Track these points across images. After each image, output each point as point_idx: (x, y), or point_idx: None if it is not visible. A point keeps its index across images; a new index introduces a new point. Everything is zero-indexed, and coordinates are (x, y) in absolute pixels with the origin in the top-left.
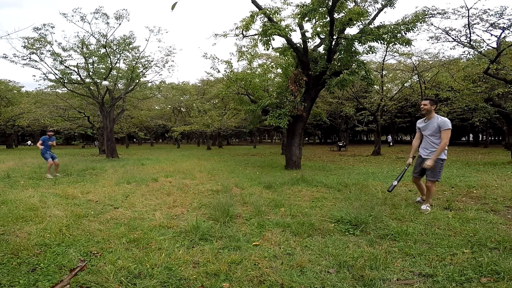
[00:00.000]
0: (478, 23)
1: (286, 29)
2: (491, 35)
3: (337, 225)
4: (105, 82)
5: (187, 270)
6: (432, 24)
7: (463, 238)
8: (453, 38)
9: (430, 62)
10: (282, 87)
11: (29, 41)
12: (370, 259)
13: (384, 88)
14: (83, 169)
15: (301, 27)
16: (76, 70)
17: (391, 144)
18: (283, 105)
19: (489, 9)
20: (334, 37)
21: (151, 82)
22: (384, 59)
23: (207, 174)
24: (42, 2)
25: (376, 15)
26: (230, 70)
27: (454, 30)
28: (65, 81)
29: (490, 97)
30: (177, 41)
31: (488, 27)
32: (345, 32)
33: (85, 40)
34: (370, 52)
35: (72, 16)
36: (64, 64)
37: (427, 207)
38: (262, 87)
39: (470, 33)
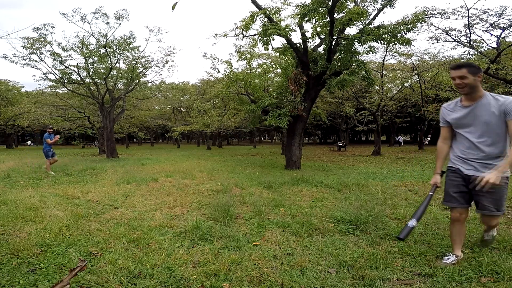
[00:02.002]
0: (478, 23)
1: (286, 29)
2: (491, 35)
3: (337, 225)
4: None
5: (187, 270)
6: (432, 24)
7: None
8: (453, 38)
9: (430, 62)
10: (282, 87)
11: (29, 41)
12: (370, 259)
13: (384, 88)
14: (83, 169)
15: (301, 27)
16: (76, 70)
17: (401, 144)
18: (283, 105)
19: (489, 9)
20: (334, 37)
21: (151, 82)
22: (384, 59)
23: (207, 174)
24: (42, 2)
25: (376, 15)
26: (230, 70)
27: (454, 30)
28: (65, 81)
29: None
30: (177, 41)
31: (488, 27)
32: (345, 32)
33: (85, 40)
34: (370, 52)
35: (72, 16)
36: (64, 64)
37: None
38: (262, 87)
39: (470, 33)
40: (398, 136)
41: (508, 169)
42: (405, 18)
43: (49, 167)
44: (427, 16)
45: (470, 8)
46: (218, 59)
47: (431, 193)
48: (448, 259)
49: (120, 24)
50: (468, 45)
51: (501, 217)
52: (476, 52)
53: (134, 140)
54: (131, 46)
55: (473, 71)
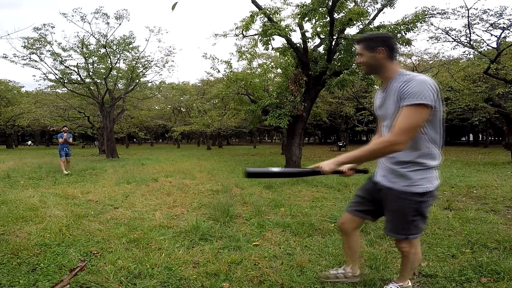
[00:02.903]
0: (478, 23)
1: (286, 29)
2: (491, 35)
3: (337, 225)
4: None
5: (187, 270)
6: (432, 24)
7: (463, 238)
8: (453, 38)
9: (430, 62)
10: (282, 87)
11: (29, 41)
12: (370, 259)
13: None
14: (83, 169)
15: (301, 27)
16: (76, 70)
17: None
18: (283, 105)
19: (489, 9)
20: (334, 37)
21: (151, 82)
22: None
23: (207, 174)
24: (42, 2)
25: (376, 15)
26: (230, 70)
27: (454, 30)
28: (65, 81)
29: (490, 97)
30: (177, 41)
31: (488, 27)
32: (345, 32)
33: (85, 40)
34: None
35: (72, 16)
36: (64, 64)
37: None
38: (262, 87)
39: (470, 33)
40: None
41: (348, 160)
42: (405, 18)
43: (62, 167)
44: (427, 16)
45: (470, 8)
46: (218, 59)
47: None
48: (336, 270)
49: (120, 24)
50: (468, 45)
51: (410, 243)
52: (476, 52)
53: (134, 140)
54: (131, 46)
55: (369, 46)
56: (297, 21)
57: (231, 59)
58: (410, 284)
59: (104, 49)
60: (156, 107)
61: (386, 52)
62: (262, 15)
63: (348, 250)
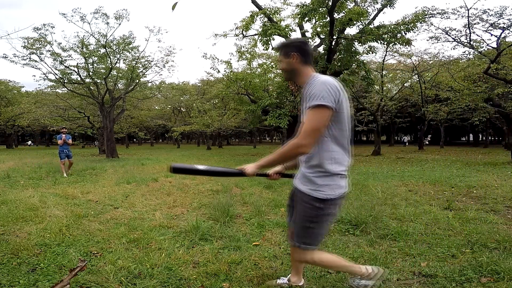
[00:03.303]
0: (478, 23)
1: (286, 29)
2: (491, 35)
3: (337, 225)
4: None
5: (187, 270)
6: (432, 24)
7: (463, 238)
8: (453, 38)
9: (430, 62)
10: (282, 87)
11: (29, 41)
12: (370, 259)
13: (384, 88)
14: (83, 169)
15: (301, 27)
16: (76, 70)
17: (406, 144)
18: (283, 105)
19: (489, 9)
20: (334, 37)
21: (151, 82)
22: (384, 59)
23: None
24: (42, 2)
25: (376, 15)
26: (230, 70)
27: (454, 30)
28: (65, 81)
29: (490, 97)
30: (177, 41)
31: (488, 27)
32: (345, 32)
33: (84, 40)
34: (370, 52)
35: (72, 16)
36: (64, 64)
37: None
38: (262, 87)
39: (470, 33)
40: (403, 136)
41: (266, 164)
42: (405, 18)
43: (62, 169)
44: (427, 16)
45: (470, 8)
46: (218, 59)
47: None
48: (282, 279)
49: (120, 24)
50: (468, 45)
51: (303, 253)
52: (476, 52)
53: (134, 140)
54: (131, 46)
55: (285, 52)
56: (297, 21)
57: (231, 59)
58: (370, 269)
59: (104, 49)
60: (156, 107)
61: (298, 57)
62: (262, 15)
63: (293, 260)
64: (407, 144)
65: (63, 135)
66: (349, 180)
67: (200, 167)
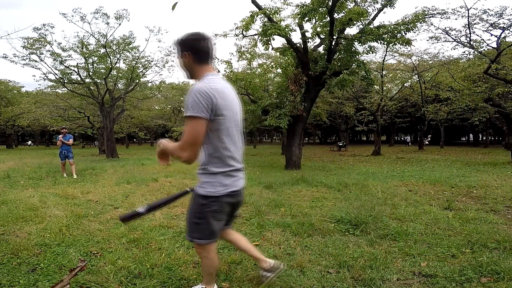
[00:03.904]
0: (478, 23)
1: (286, 29)
2: (491, 35)
3: (337, 225)
4: None
5: (187, 270)
6: (432, 24)
7: (463, 238)
8: (453, 38)
9: (430, 62)
10: (282, 87)
11: (29, 41)
12: (370, 259)
13: (384, 88)
14: (83, 169)
15: (301, 27)
16: (76, 70)
17: (409, 144)
18: (283, 105)
19: (489, 9)
20: (334, 37)
21: (151, 82)
22: (384, 59)
23: None
24: (41, 2)
25: (376, 15)
26: (230, 70)
27: (454, 30)
28: (65, 81)
29: (490, 97)
30: None
31: (488, 27)
32: (345, 32)
33: (84, 40)
34: (370, 52)
35: (72, 16)
36: (64, 64)
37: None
38: (262, 87)
39: (470, 33)
40: (406, 136)
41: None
42: (405, 18)
43: (62, 169)
44: (427, 16)
45: (470, 8)
46: (218, 59)
47: (187, 189)
48: (262, 271)
49: (120, 24)
50: (468, 45)
51: (201, 247)
52: (476, 52)
53: (134, 140)
54: (131, 46)
55: (178, 50)
56: (297, 21)
57: (231, 59)
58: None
59: (104, 49)
60: (156, 107)
61: (191, 56)
62: (262, 15)
63: (246, 253)
64: (410, 144)
65: (60, 136)
66: (241, 178)
67: (141, 209)
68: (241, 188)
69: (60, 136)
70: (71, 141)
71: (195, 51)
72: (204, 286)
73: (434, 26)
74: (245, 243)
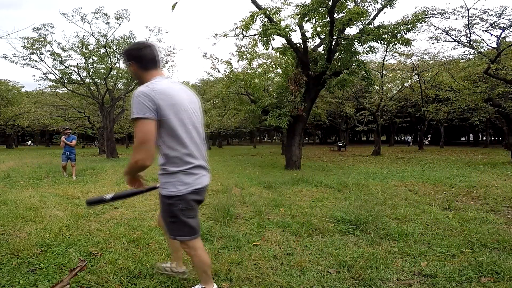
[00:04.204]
0: (478, 23)
1: (286, 29)
2: (491, 35)
3: (337, 225)
4: None
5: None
6: (432, 24)
7: (463, 238)
8: (453, 38)
9: (430, 62)
10: (282, 87)
11: (29, 41)
12: (370, 259)
13: (384, 88)
14: (83, 169)
15: (301, 27)
16: (76, 70)
17: (410, 144)
18: (283, 105)
19: (489, 9)
20: (334, 37)
21: None
22: (384, 59)
23: None
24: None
25: (376, 15)
26: (230, 70)
27: (454, 30)
28: (65, 81)
29: (490, 97)
30: (177, 41)
31: (488, 27)
32: (345, 32)
33: (85, 40)
34: (370, 52)
35: (72, 16)
36: (64, 64)
37: None
38: (262, 87)
39: (470, 33)
40: (407, 136)
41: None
42: (405, 18)
43: (63, 171)
44: (427, 16)
45: (470, 8)
46: (218, 59)
47: (156, 185)
48: (167, 263)
49: (120, 24)
50: (468, 45)
51: (186, 245)
52: (476, 52)
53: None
54: None
55: (124, 61)
56: (297, 21)
57: (231, 59)
58: (215, 286)
59: (104, 49)
60: None
61: (135, 64)
62: (262, 15)
63: (171, 248)
64: (411, 143)
65: (63, 137)
66: (203, 175)
67: (108, 196)
68: (205, 185)
69: (63, 137)
70: (74, 142)
71: (138, 59)
72: (203, 286)
73: (434, 26)
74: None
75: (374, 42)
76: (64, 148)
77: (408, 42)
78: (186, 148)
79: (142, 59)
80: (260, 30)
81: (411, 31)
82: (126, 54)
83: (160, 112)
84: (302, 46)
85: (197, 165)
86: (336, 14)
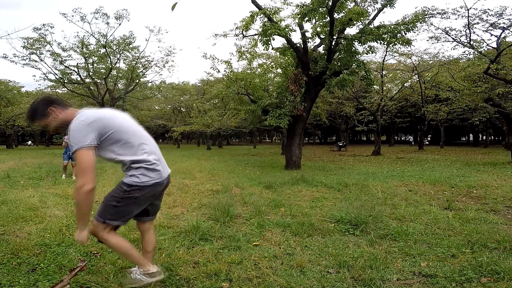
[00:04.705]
0: (478, 23)
1: (286, 29)
2: (491, 35)
3: (337, 225)
4: None
5: (187, 270)
6: (432, 24)
7: (463, 238)
8: (453, 38)
9: (430, 62)
10: (282, 87)
11: (29, 41)
12: (370, 259)
13: (384, 88)
14: None
15: (301, 27)
16: (76, 70)
17: (412, 144)
18: (283, 105)
19: (489, 9)
20: (334, 37)
21: (151, 82)
22: (384, 59)
23: (207, 174)
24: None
25: (376, 15)
26: (230, 70)
27: (454, 30)
28: (65, 81)
29: (490, 97)
30: (177, 41)
31: (488, 27)
32: (345, 32)
33: (85, 40)
34: (370, 52)
35: (72, 16)
36: (64, 64)
37: (141, 276)
38: (262, 87)
39: (470, 33)
40: (409, 136)
41: (84, 221)
42: (405, 18)
43: (63, 171)
44: (427, 16)
45: (470, 8)
46: (218, 59)
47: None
48: (134, 269)
49: (120, 24)
50: (468, 45)
51: (105, 229)
52: (476, 52)
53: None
54: (131, 46)
55: (42, 116)
56: (297, 21)
57: (231, 59)
58: (154, 269)
59: (104, 49)
60: (156, 107)
61: (56, 107)
62: (262, 15)
63: (143, 250)
64: (413, 143)
65: (65, 137)
66: (162, 171)
67: None
68: (164, 179)
69: (65, 137)
70: None
71: (56, 102)
72: (141, 269)
73: (434, 26)
74: (151, 247)
75: (374, 42)
76: (66, 148)
77: (408, 42)
78: (143, 148)
79: (57, 99)
80: (260, 30)
81: (411, 31)
82: (41, 105)
83: (100, 133)
84: (302, 46)
85: (157, 159)
86: (336, 14)
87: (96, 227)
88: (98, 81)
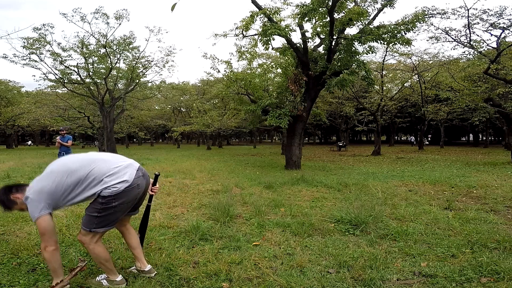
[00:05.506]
0: (478, 23)
1: (286, 29)
2: (491, 35)
3: (337, 225)
4: None
5: (187, 270)
6: (432, 24)
7: (463, 238)
8: (453, 38)
9: (430, 62)
10: (282, 87)
11: (29, 41)
12: (370, 259)
13: (384, 88)
14: None
15: (301, 27)
16: (76, 70)
17: (414, 143)
18: (283, 105)
19: (488, 9)
20: (334, 37)
21: (151, 82)
22: (384, 59)
23: (207, 174)
24: (41, 3)
25: (376, 15)
26: (230, 70)
27: (454, 30)
28: (65, 81)
29: (490, 97)
30: (177, 41)
31: (488, 27)
32: (345, 32)
33: (85, 40)
34: (370, 52)
35: (72, 16)
36: (64, 64)
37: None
38: (262, 87)
39: (470, 33)
40: (410, 136)
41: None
42: (405, 18)
43: None
44: (427, 16)
45: (470, 8)
46: (218, 59)
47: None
48: (132, 267)
49: (120, 24)
50: (468, 45)
51: (93, 237)
52: (476, 52)
53: (134, 140)
54: (131, 46)
55: (9, 205)
56: (297, 21)
57: (231, 59)
58: (119, 278)
59: (104, 49)
60: (156, 107)
61: (19, 193)
62: (262, 15)
63: (132, 250)
64: (414, 143)
65: (57, 137)
66: (125, 178)
67: None
68: (133, 184)
69: (58, 137)
70: (70, 142)
71: (13, 188)
72: (107, 276)
73: (434, 26)
74: (135, 242)
75: (374, 42)
76: (60, 148)
77: (408, 42)
78: (107, 171)
79: (16, 185)
80: (260, 30)
81: (411, 31)
82: (4, 196)
83: (55, 186)
84: (302, 46)
85: (124, 166)
86: (336, 14)
87: (84, 235)
88: (98, 81)
